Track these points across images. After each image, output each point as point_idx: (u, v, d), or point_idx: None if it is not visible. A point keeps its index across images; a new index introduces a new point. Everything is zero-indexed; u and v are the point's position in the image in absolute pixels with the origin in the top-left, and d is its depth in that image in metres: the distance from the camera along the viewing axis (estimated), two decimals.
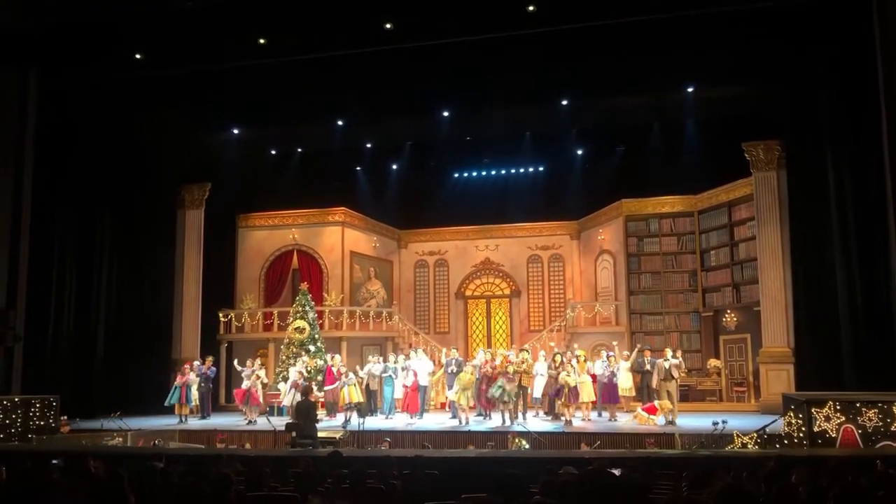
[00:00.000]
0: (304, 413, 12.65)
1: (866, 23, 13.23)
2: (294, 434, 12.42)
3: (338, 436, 13.81)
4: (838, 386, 13.54)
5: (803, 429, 10.94)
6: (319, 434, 12.93)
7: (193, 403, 16.55)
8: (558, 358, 15.41)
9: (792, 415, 11.18)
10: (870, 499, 3.14)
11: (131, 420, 14.25)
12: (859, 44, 13.61)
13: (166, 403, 16.43)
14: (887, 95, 12.90)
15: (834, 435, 10.78)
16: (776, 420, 11.84)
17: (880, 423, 10.69)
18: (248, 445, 13.73)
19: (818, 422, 10.86)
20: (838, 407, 10.87)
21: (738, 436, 11.59)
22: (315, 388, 15.61)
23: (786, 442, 11.18)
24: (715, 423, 11.87)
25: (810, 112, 15.43)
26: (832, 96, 14.80)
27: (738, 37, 14.55)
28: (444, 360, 17.20)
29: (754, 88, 16.57)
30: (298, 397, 15.36)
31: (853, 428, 10.75)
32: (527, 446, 12.45)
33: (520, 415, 15.03)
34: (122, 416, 14.12)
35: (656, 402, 14.67)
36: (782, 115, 16.55)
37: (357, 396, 15.75)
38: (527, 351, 16.34)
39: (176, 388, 16.42)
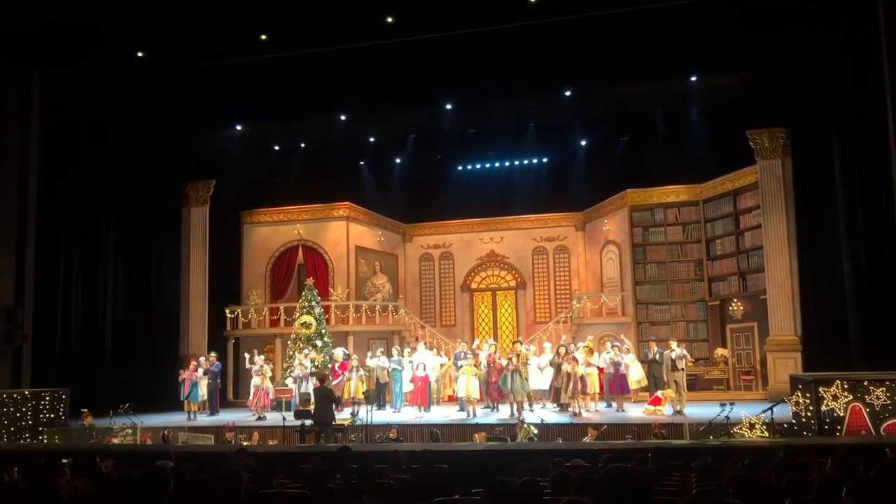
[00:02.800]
0: (324, 399, 12.75)
1: (871, 7, 13.14)
2: (304, 421, 12.56)
3: (346, 423, 13.93)
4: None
5: (811, 408, 10.93)
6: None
7: (201, 399, 16.61)
8: (562, 350, 15.44)
9: (799, 394, 11.16)
10: (884, 491, 3.14)
11: (140, 417, 14.33)
12: (864, 29, 13.52)
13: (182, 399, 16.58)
14: (892, 81, 12.82)
15: (842, 414, 10.78)
16: (782, 401, 11.84)
17: (888, 402, 10.70)
18: (255, 435, 13.72)
19: (826, 401, 10.86)
20: (846, 386, 10.87)
21: (746, 418, 11.60)
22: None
23: (793, 421, 11.18)
24: (722, 405, 11.89)
25: (815, 99, 15.36)
26: (837, 82, 14.72)
27: (742, 24, 14.49)
28: (454, 354, 17.24)
29: (758, 76, 16.50)
30: (309, 387, 15.49)
31: (861, 407, 10.75)
32: (535, 432, 12.53)
33: (526, 406, 15.06)
34: (132, 408, 14.19)
35: (659, 393, 14.71)
36: (787, 102, 16.48)
37: (363, 389, 15.84)
38: (521, 342, 16.37)
39: (182, 383, 16.53)
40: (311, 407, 13.36)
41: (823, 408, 10.83)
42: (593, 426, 12.58)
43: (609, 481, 3.12)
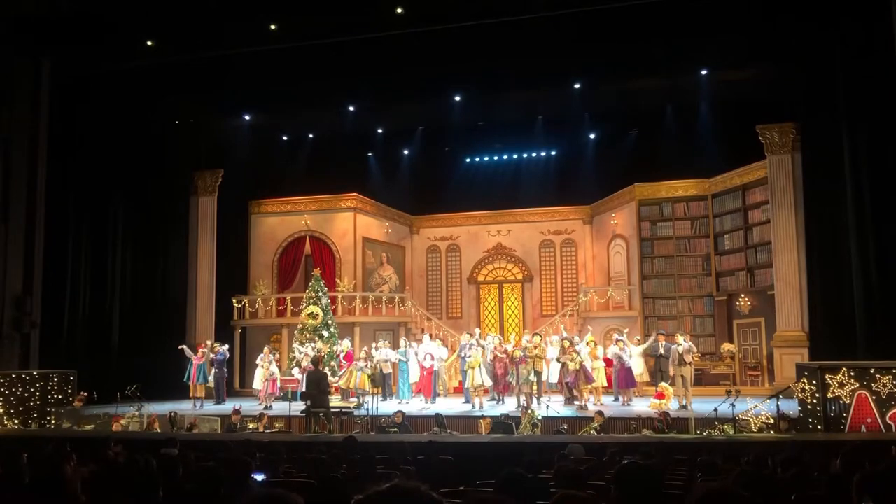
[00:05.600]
0: (316, 383, 12.84)
1: (884, 2, 13.04)
2: (308, 403, 12.66)
3: (352, 406, 13.98)
4: None
5: (817, 395, 10.90)
6: (336, 404, 13.21)
7: (209, 384, 16.74)
8: (565, 343, 15.44)
9: (805, 381, 11.12)
10: (893, 486, 3.13)
11: (147, 402, 14.46)
12: (877, 24, 13.43)
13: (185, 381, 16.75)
14: None
15: (848, 401, 10.76)
16: (788, 388, 11.83)
17: (895, 390, 10.67)
18: (263, 418, 13.74)
19: (832, 388, 10.83)
20: (852, 373, 10.86)
21: (752, 405, 11.61)
22: (329, 373, 15.70)
23: (799, 409, 11.14)
24: (728, 392, 11.89)
25: (826, 94, 15.25)
26: (847, 78, 14.61)
27: (754, 18, 14.41)
28: (459, 345, 17.27)
29: (769, 71, 16.42)
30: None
31: (867, 395, 10.73)
32: (540, 417, 12.62)
33: (534, 399, 15.08)
34: (139, 390, 14.31)
35: (660, 386, 14.73)
36: (797, 97, 16.39)
37: (367, 383, 15.89)
38: (539, 335, 16.37)
39: (190, 365, 16.72)
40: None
41: (829, 395, 10.80)
42: (599, 413, 12.65)
43: (622, 477, 3.10)
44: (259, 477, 5.16)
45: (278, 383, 16.64)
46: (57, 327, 16.48)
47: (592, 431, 11.81)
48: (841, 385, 10.81)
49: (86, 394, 14.50)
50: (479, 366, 15.35)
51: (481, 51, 15.53)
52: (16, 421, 13.62)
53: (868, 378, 10.77)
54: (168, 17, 14.73)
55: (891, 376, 10.70)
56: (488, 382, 15.50)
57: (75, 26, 15.01)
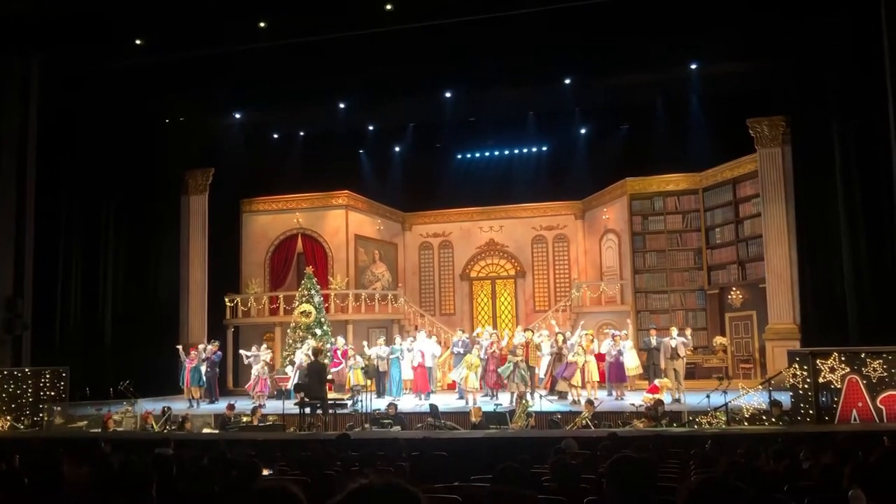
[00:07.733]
0: (315, 374, 12.84)
1: None
2: (303, 395, 12.68)
3: (346, 397, 13.97)
4: None
5: (808, 380, 10.97)
6: (331, 395, 13.26)
7: (203, 385, 16.72)
8: (560, 338, 15.46)
9: (797, 366, 11.19)
10: (883, 477, 3.15)
11: (140, 400, 14.45)
12: (866, 17, 13.48)
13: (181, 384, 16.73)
14: (893, 70, 12.80)
15: (839, 386, 10.83)
16: (780, 374, 11.90)
17: (885, 374, 10.77)
18: (258, 414, 13.71)
19: (823, 373, 10.90)
20: (843, 358, 10.92)
21: (743, 390, 11.69)
22: None
23: (790, 394, 11.22)
24: (720, 379, 11.99)
25: (816, 87, 15.32)
26: (839, 71, 14.68)
27: (744, 12, 14.43)
28: (452, 342, 17.27)
29: (759, 64, 16.45)
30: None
31: (858, 379, 10.81)
32: (532, 405, 12.64)
33: (527, 392, 15.10)
34: (131, 386, 14.27)
35: (657, 381, 14.77)
36: (788, 90, 16.45)
37: (362, 379, 15.89)
38: (531, 330, 16.39)
39: (183, 369, 16.69)
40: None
41: (821, 380, 10.87)
42: (589, 402, 12.69)
43: (614, 470, 3.12)
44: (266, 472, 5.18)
45: (268, 381, 16.62)
46: (49, 327, 16.39)
47: (585, 421, 11.83)
48: (832, 370, 10.88)
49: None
50: (478, 368, 15.32)
51: (472, 47, 15.50)
52: (8, 418, 13.55)
53: (859, 363, 10.85)
54: (158, 16, 14.65)
55: (881, 360, 10.79)
56: (475, 385, 15.48)
57: (65, 25, 14.90)
